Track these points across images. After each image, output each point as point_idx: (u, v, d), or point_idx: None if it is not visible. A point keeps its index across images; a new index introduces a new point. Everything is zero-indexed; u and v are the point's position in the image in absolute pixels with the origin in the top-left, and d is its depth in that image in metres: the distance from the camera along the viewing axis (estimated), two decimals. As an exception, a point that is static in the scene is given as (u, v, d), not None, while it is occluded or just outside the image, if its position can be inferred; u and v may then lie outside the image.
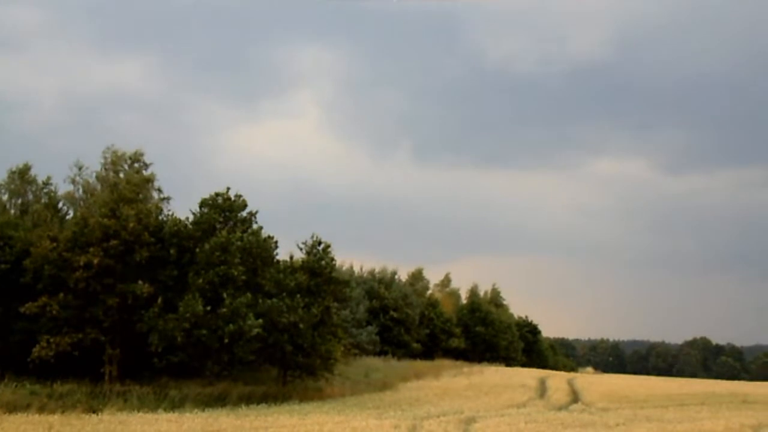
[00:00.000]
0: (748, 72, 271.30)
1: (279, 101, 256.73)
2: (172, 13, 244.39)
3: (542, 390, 43.94)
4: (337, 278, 40.40)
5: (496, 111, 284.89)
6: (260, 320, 33.64)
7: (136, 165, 41.96)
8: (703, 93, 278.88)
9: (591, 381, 52.85)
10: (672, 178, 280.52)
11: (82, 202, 41.23)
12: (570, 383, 48.01)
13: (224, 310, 33.23)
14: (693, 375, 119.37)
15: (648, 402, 37.89)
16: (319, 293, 38.00)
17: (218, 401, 31.71)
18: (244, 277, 34.84)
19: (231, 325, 32.91)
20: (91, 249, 32.84)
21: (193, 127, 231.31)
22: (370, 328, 58.04)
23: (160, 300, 33.43)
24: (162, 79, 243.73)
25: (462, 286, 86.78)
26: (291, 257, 39.39)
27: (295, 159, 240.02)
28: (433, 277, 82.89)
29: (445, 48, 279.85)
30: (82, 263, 32.46)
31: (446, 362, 60.15)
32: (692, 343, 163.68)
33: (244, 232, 36.45)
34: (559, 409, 34.01)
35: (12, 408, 25.99)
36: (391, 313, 62.75)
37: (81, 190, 41.80)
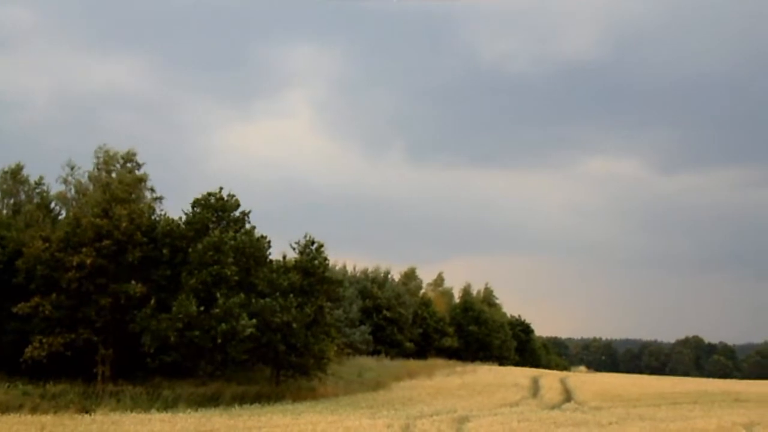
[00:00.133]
0: (748, 72, 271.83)
1: (272, 101, 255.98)
2: (166, 13, 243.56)
3: (535, 389, 44.04)
4: (330, 278, 40.42)
5: (490, 111, 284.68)
6: (253, 320, 33.65)
7: (128, 165, 41.86)
8: (702, 93, 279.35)
9: (584, 380, 52.99)
10: (666, 177, 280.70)
11: (74, 202, 41.14)
12: (563, 382, 48.10)
13: (217, 310, 33.21)
14: (685, 374, 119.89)
15: (641, 401, 38.06)
16: (312, 293, 38.01)
17: (211, 401, 31.66)
18: (237, 277, 34.84)
19: (224, 325, 32.90)
20: (84, 249, 32.81)
21: (186, 127, 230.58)
22: (363, 327, 58.05)
23: (153, 300, 33.42)
24: (155, 79, 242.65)
25: (455, 286, 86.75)
26: (284, 257, 39.47)
27: (289, 159, 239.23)
28: (426, 277, 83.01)
29: (439, 48, 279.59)
30: (74, 263, 32.44)
31: (439, 361, 60.16)
32: (685, 342, 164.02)
33: (237, 231, 36.46)
34: (552, 408, 34.11)
35: (4, 408, 25.98)
36: (384, 312, 62.69)
37: (73, 190, 41.73)
